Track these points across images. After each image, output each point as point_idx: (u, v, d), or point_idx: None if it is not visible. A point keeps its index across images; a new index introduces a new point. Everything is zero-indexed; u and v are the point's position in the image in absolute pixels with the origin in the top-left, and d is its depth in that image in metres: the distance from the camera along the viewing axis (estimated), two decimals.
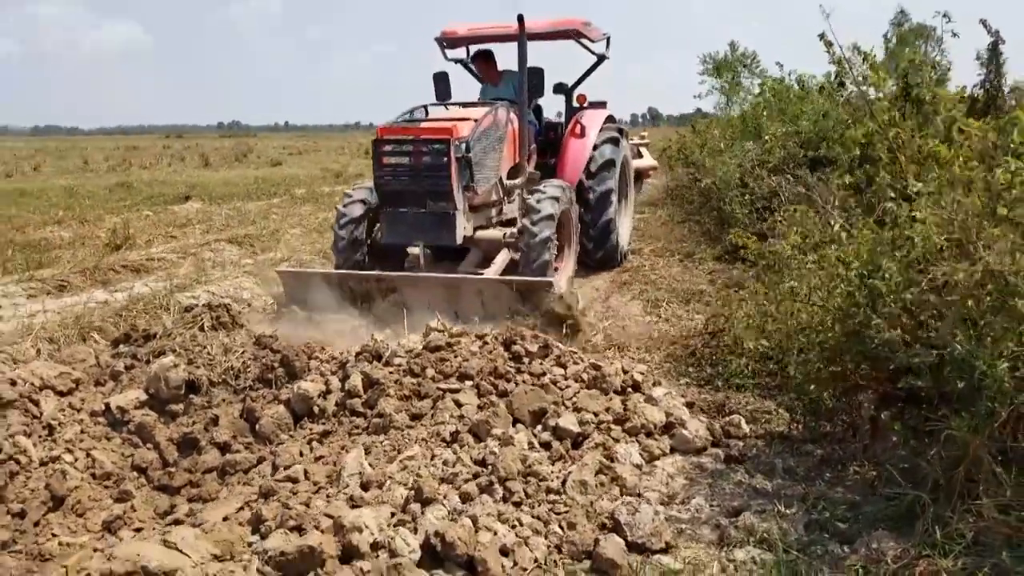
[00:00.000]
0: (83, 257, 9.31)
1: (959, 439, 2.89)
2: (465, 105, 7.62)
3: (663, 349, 5.42)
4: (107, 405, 4.22)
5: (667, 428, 3.92)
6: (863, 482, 3.44)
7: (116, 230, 10.33)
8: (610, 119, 9.03)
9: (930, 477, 3.01)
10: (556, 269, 6.82)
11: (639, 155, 12.64)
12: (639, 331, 5.90)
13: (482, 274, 6.18)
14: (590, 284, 7.99)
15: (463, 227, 6.38)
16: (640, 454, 3.68)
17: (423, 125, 6.60)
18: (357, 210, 6.91)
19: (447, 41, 8.40)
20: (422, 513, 2.89)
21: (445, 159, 6.15)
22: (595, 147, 8.38)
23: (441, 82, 8.13)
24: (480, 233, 6.89)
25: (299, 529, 2.82)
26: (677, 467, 3.69)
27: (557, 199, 6.74)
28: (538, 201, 6.63)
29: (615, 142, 8.68)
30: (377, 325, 5.45)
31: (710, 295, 6.77)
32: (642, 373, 4.41)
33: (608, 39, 8.91)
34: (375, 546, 2.67)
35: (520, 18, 6.96)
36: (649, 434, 3.83)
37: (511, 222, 7.32)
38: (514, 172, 7.45)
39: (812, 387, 3.75)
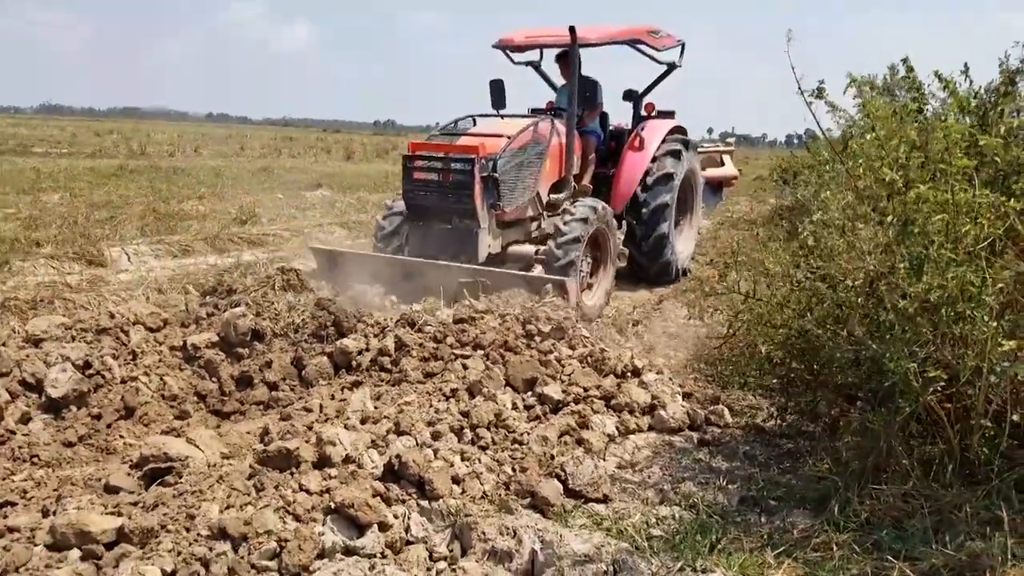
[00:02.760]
0: (210, 228, 10.37)
1: (873, 431, 3.18)
2: (509, 117, 7.63)
3: (690, 349, 5.74)
4: (185, 342, 4.97)
5: (650, 409, 4.30)
6: (809, 470, 3.73)
7: (243, 208, 11.42)
8: (677, 130, 8.81)
9: (851, 464, 3.31)
10: (589, 286, 6.85)
11: (720, 163, 12.16)
12: (675, 332, 6.24)
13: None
14: (650, 289, 8.25)
15: (487, 245, 6.53)
16: (616, 427, 4.08)
17: (452, 142, 6.77)
18: (395, 222, 7.07)
19: (507, 47, 8.17)
20: (395, 441, 3.43)
21: (470, 177, 6.26)
22: (654, 159, 8.22)
23: (496, 90, 7.92)
24: (513, 248, 7.01)
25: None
26: (648, 442, 4.08)
27: (586, 220, 6.66)
28: (565, 223, 6.61)
29: (676, 155, 8.42)
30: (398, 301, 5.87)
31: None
32: (647, 363, 4.79)
33: (682, 46, 8.62)
34: (346, 460, 3.22)
35: (572, 29, 7.05)
36: (631, 411, 4.23)
37: (548, 237, 7.10)
38: (558, 187, 7.43)
39: (785, 383, 4.06)
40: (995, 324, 2.81)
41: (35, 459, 3.82)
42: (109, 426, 4.24)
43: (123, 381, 4.48)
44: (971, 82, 3.88)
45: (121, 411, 4.32)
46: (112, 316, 4.97)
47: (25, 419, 4.08)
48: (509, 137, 6.62)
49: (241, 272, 7.26)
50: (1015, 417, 2.97)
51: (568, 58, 7.83)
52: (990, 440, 3.06)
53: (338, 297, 5.67)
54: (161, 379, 4.65)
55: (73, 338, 4.73)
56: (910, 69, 5.88)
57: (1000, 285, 2.88)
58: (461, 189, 6.36)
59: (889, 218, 2.89)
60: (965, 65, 3.78)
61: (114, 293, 6.57)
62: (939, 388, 2.96)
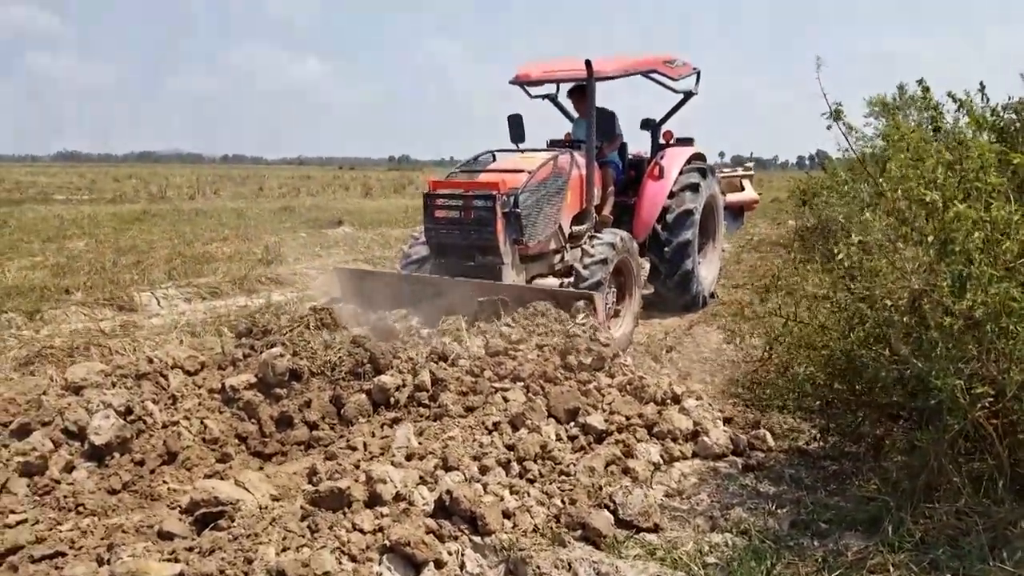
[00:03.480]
0: (237, 269, 10.48)
1: (922, 449, 3.17)
2: (529, 152, 7.62)
3: (725, 373, 5.74)
4: (223, 384, 5.01)
5: (693, 435, 4.30)
6: (858, 491, 3.71)
7: (268, 248, 11.54)
8: (697, 157, 8.81)
9: (901, 484, 3.29)
10: (616, 313, 6.81)
11: (740, 187, 12.04)
12: (709, 356, 6.24)
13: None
14: (679, 315, 8.24)
15: (511, 280, 6.48)
16: (661, 454, 4.09)
17: (472, 179, 6.80)
18: (421, 252, 7.08)
19: (523, 83, 8.10)
20: (444, 476, 3.44)
21: (491, 214, 6.26)
22: (672, 194, 8.20)
23: (515, 125, 7.89)
24: (537, 282, 6.97)
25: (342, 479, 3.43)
26: (693, 469, 4.08)
27: (613, 245, 6.69)
28: (593, 246, 6.65)
29: (695, 188, 8.37)
30: (423, 323, 5.81)
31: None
32: (685, 389, 4.79)
33: (698, 74, 8.67)
34: (397, 497, 3.24)
35: (588, 63, 7.05)
36: (675, 439, 4.23)
37: (572, 269, 7.03)
38: (580, 218, 7.41)
39: (824, 405, 4.05)
40: None
41: (80, 508, 3.84)
42: (152, 472, 4.26)
43: (164, 426, 4.52)
44: (987, 99, 3.90)
45: (164, 456, 4.35)
46: (150, 361, 5.03)
47: (69, 468, 4.11)
48: (530, 172, 6.63)
49: (274, 312, 7.33)
50: None
51: (581, 92, 7.94)
52: None
53: (361, 317, 5.73)
54: (202, 422, 4.68)
55: (113, 384, 4.78)
56: (926, 89, 5.90)
57: None
58: (483, 226, 6.38)
59: (929, 238, 2.91)
60: (981, 84, 3.81)
61: (148, 337, 6.65)
62: (986, 404, 2.95)
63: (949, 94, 5.79)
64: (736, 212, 11.47)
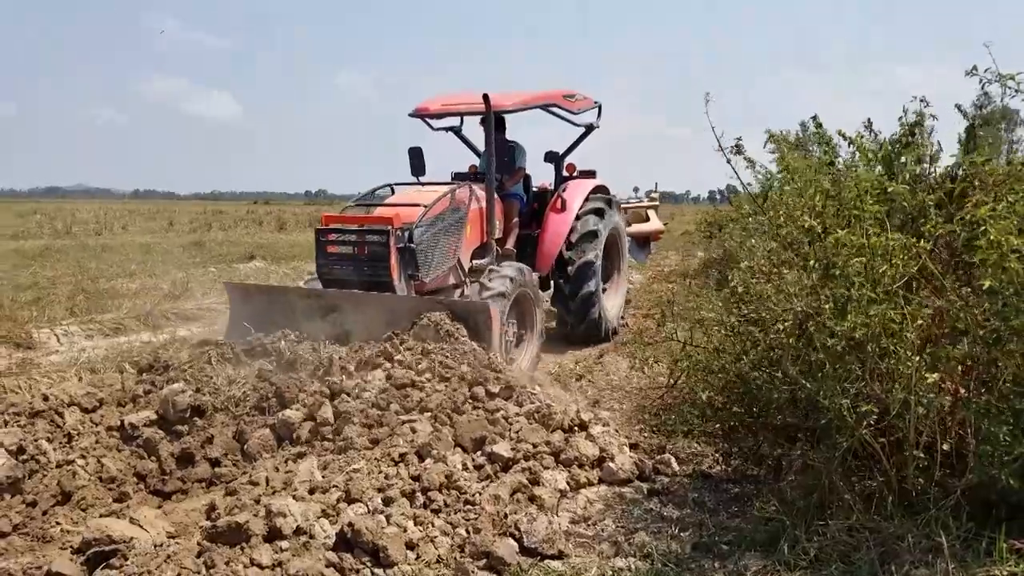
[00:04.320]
0: (142, 305, 10.17)
1: (815, 469, 3.29)
2: (430, 185, 7.51)
3: (634, 400, 5.83)
4: (122, 422, 4.85)
5: (599, 462, 4.35)
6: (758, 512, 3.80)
7: (176, 283, 11.24)
8: (599, 189, 8.85)
9: (796, 503, 3.39)
10: (511, 360, 6.39)
11: (645, 218, 12.08)
12: (618, 384, 6.33)
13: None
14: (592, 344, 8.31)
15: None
16: (568, 481, 4.12)
17: (367, 213, 6.68)
18: (316, 286, 6.77)
19: (423, 116, 7.95)
20: (346, 509, 3.40)
21: (385, 249, 6.13)
22: (578, 217, 8.22)
23: (415, 157, 7.86)
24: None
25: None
26: (599, 495, 4.12)
27: (511, 279, 6.59)
28: (491, 280, 6.54)
29: (600, 213, 8.47)
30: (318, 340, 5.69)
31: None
32: (592, 416, 4.85)
33: (599, 108, 8.77)
34: (297, 531, 3.18)
35: (486, 96, 7.07)
36: (581, 465, 4.27)
37: None
38: (480, 252, 7.34)
39: (728, 429, 4.16)
40: (917, 358, 2.96)
41: None
42: (45, 513, 4.09)
43: (59, 465, 4.35)
44: (875, 135, 4.15)
45: (57, 496, 4.18)
46: (46, 398, 4.85)
47: None
48: (425, 206, 6.51)
49: (177, 348, 7.14)
50: (945, 447, 3.10)
51: (498, 123, 7.96)
52: (925, 470, 3.19)
53: (251, 336, 5.59)
54: (99, 461, 4.51)
55: (5, 423, 4.60)
56: (819, 125, 6.21)
57: (920, 321, 3.04)
58: (377, 261, 6.23)
59: (812, 262, 3.05)
60: (868, 120, 4.05)
61: (46, 375, 6.37)
62: (872, 422, 3.08)
63: (839, 132, 6.08)
64: (642, 242, 11.58)
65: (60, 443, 4.53)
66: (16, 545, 3.83)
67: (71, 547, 3.43)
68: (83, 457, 4.48)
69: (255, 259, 16.72)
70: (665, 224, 13.39)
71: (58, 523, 4.05)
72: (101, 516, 4.06)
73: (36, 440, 4.38)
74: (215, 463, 4.63)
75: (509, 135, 8.33)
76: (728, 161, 3.80)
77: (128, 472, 4.54)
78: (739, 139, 3.85)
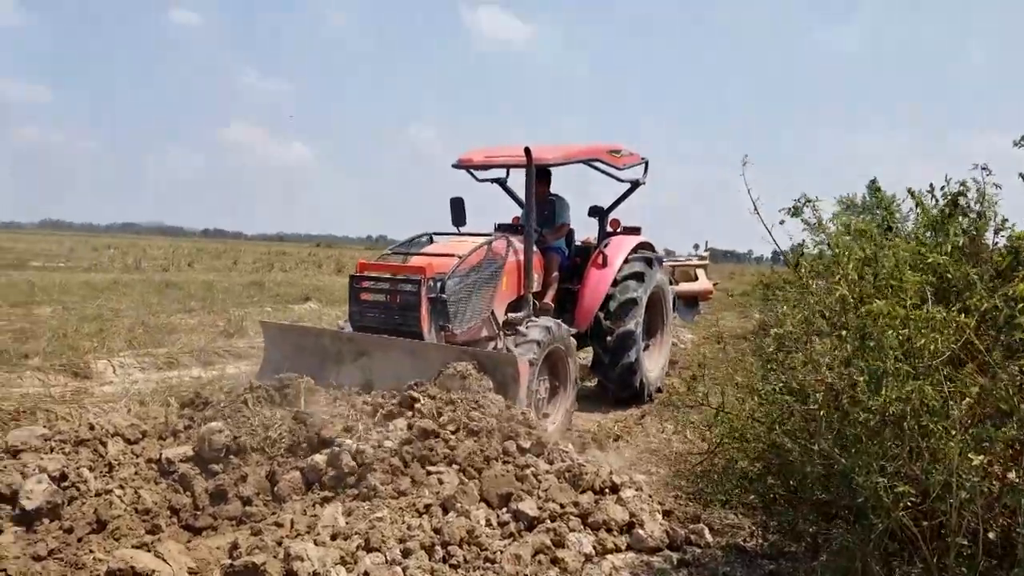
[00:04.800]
0: (197, 341, 10.40)
1: (849, 550, 3.15)
2: (469, 236, 7.47)
3: (672, 465, 5.71)
4: (161, 455, 4.93)
5: (629, 527, 4.25)
6: None
7: (231, 320, 11.49)
8: (643, 246, 8.67)
9: None
10: (545, 415, 6.42)
11: (694, 277, 11.86)
12: (657, 447, 6.21)
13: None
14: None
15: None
16: (594, 545, 4.02)
17: (402, 262, 6.71)
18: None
19: (466, 167, 8.01)
20: (364, 557, 3.37)
21: (416, 299, 6.08)
22: (616, 283, 8.04)
23: (457, 207, 7.81)
24: None
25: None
26: (626, 562, 4.01)
27: (548, 329, 6.54)
28: (527, 328, 6.50)
29: (639, 277, 8.24)
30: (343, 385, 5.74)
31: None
32: (627, 479, 4.75)
33: (646, 164, 8.62)
34: (314, 575, 3.17)
35: (527, 150, 6.99)
36: (609, 530, 4.17)
37: None
38: (516, 305, 7.20)
39: (770, 501, 4.03)
40: (961, 438, 2.82)
41: (2, 573, 3.74)
42: (80, 540, 4.15)
43: (98, 494, 4.43)
44: (937, 201, 4.03)
45: (93, 524, 4.25)
46: (91, 427, 4.97)
47: None
48: (460, 257, 6.44)
49: (221, 387, 7.26)
50: (991, 535, 2.94)
51: (542, 177, 7.94)
52: (968, 559, 3.02)
53: (282, 374, 5.63)
54: (136, 492, 4.58)
55: (52, 449, 4.71)
56: (877, 189, 6.07)
57: (968, 400, 2.91)
58: (407, 311, 6.17)
59: (845, 332, 2.96)
60: (931, 185, 3.94)
61: (96, 404, 6.55)
62: (911, 504, 2.95)
63: (908, 191, 5.92)
64: (690, 302, 11.33)
65: (101, 472, 4.63)
66: (50, 569, 3.90)
67: (96, 575, 3.46)
68: (121, 487, 4.55)
69: (310, 300, 17.00)
70: (715, 284, 13.03)
71: (91, 551, 4.10)
72: (132, 547, 4.13)
73: (78, 468, 4.48)
74: (247, 502, 4.66)
75: (557, 188, 8.30)
76: (782, 223, 3.72)
77: (163, 505, 4.60)
78: (797, 200, 3.73)
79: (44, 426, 5.48)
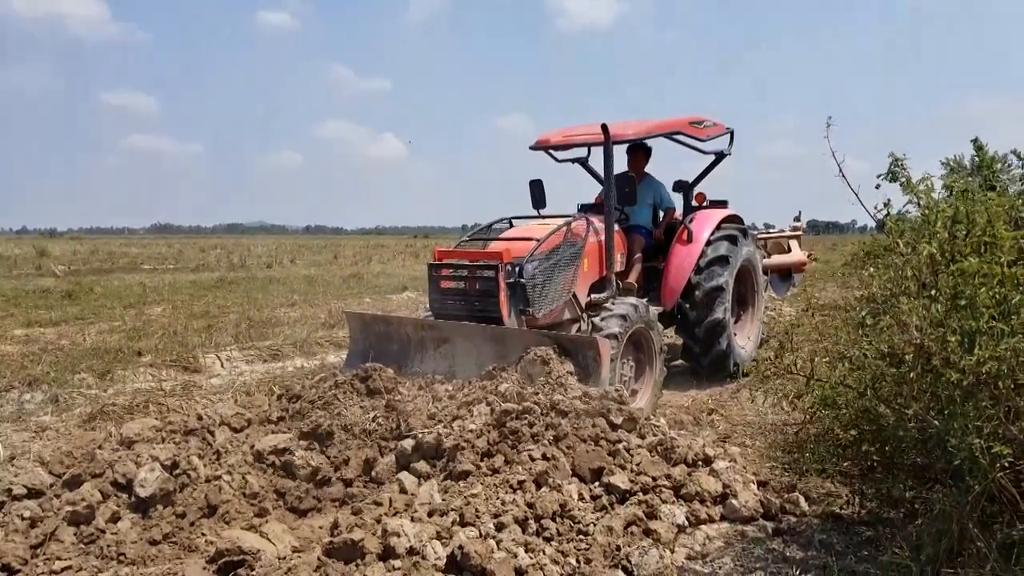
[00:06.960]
0: (299, 332, 10.78)
1: (945, 513, 3.07)
2: (549, 218, 7.44)
3: (768, 436, 5.63)
4: (265, 443, 5.16)
5: (722, 498, 4.23)
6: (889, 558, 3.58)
7: (332, 312, 11.85)
8: (732, 219, 8.47)
9: (925, 549, 3.17)
10: (634, 392, 6.25)
11: (787, 249, 11.31)
12: (752, 419, 6.12)
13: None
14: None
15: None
16: (687, 516, 4.02)
17: (481, 248, 6.74)
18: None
19: (544, 148, 7.85)
20: (459, 532, 3.47)
21: (494, 285, 6.08)
22: (699, 270, 7.75)
23: (536, 190, 7.88)
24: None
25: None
26: (720, 532, 4.00)
27: (635, 306, 6.48)
28: (602, 319, 6.33)
29: (732, 239, 8.05)
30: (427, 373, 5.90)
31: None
32: (722, 451, 4.72)
33: (731, 134, 8.38)
34: (410, 551, 3.28)
35: (604, 127, 6.86)
36: (702, 501, 4.16)
37: None
38: (599, 286, 7.10)
39: (866, 469, 3.94)
40: None
41: (122, 557, 3.99)
42: (192, 524, 4.40)
43: (207, 480, 4.67)
44: None
45: (204, 509, 4.49)
46: (200, 418, 5.24)
47: (115, 518, 4.29)
48: (538, 240, 6.41)
49: (323, 377, 7.53)
50: None
51: (634, 153, 7.97)
52: None
53: (368, 363, 5.79)
54: (243, 477, 4.81)
55: (163, 439, 4.99)
56: (979, 148, 5.80)
57: None
58: (487, 297, 6.18)
59: (933, 292, 2.87)
60: None
61: (204, 396, 6.89)
62: (1008, 465, 2.85)
63: (1013, 152, 5.63)
64: (784, 274, 10.95)
65: (210, 459, 4.87)
66: (166, 553, 4.15)
67: (207, 556, 3.67)
68: (229, 473, 4.78)
69: (407, 290, 17.36)
70: (811, 255, 12.50)
71: (203, 534, 4.34)
72: (242, 530, 4.36)
73: (188, 456, 4.73)
74: (348, 484, 4.84)
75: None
76: (877, 187, 3.61)
77: (269, 489, 4.81)
78: (894, 163, 3.60)
79: (156, 418, 5.82)
